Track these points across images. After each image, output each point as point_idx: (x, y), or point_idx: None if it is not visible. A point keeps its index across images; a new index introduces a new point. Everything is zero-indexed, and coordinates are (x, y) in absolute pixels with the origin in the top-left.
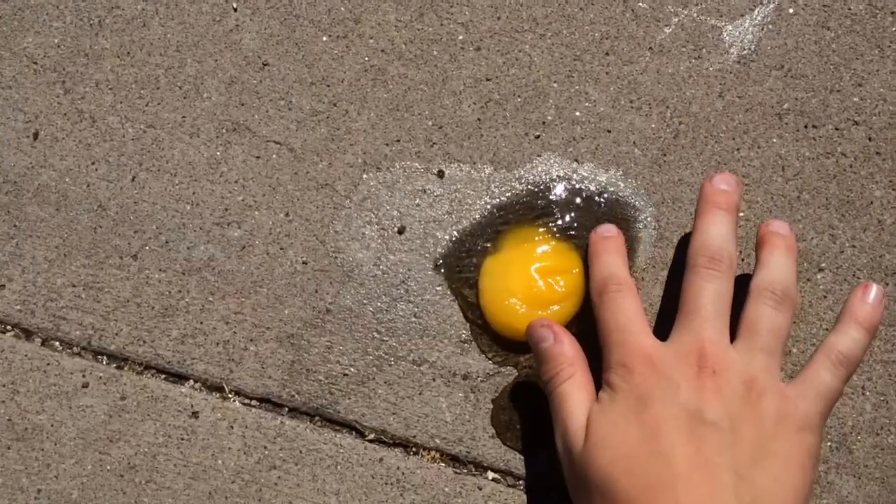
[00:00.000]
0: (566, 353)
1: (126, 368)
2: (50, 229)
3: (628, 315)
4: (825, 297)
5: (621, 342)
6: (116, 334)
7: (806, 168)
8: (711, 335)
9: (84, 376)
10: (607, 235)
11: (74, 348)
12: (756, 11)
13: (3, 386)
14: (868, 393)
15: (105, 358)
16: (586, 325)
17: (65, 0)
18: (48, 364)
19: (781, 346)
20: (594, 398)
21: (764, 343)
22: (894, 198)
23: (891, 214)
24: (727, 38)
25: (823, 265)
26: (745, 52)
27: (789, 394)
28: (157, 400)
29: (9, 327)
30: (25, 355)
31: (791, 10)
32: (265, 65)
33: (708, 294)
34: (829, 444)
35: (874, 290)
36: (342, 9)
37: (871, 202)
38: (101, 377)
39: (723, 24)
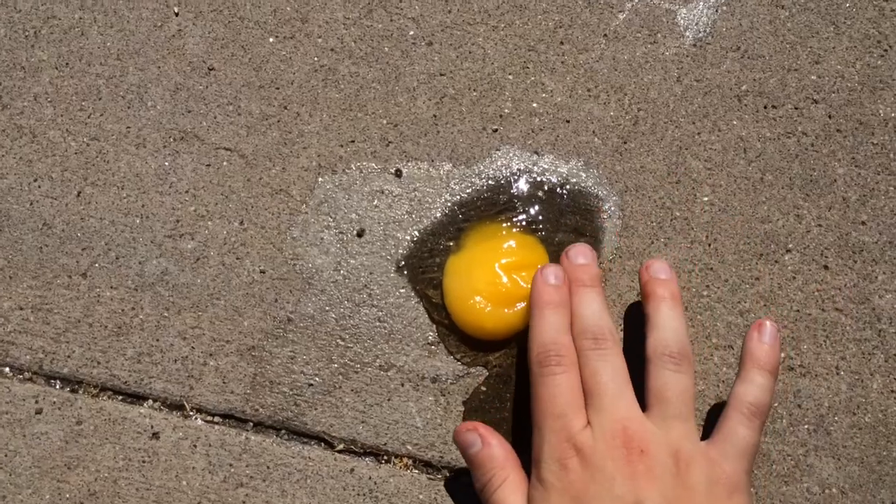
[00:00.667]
0: (496, 456)
1: (81, 391)
2: None
3: (567, 399)
4: (794, 278)
5: (556, 430)
6: (69, 356)
7: (767, 149)
8: (626, 413)
9: (37, 402)
10: (554, 282)
11: (25, 373)
12: None
13: None
14: (843, 373)
15: (58, 382)
16: None
17: None
18: None
19: (692, 407)
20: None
21: (676, 410)
22: (858, 174)
23: (855, 191)
24: (682, 21)
25: (790, 246)
26: (700, 34)
27: (713, 456)
28: (116, 422)
29: None
30: None
31: None
32: (211, 69)
33: (607, 373)
34: (806, 426)
35: (768, 329)
36: (288, 8)
37: (835, 180)
38: (54, 402)
39: (676, 7)
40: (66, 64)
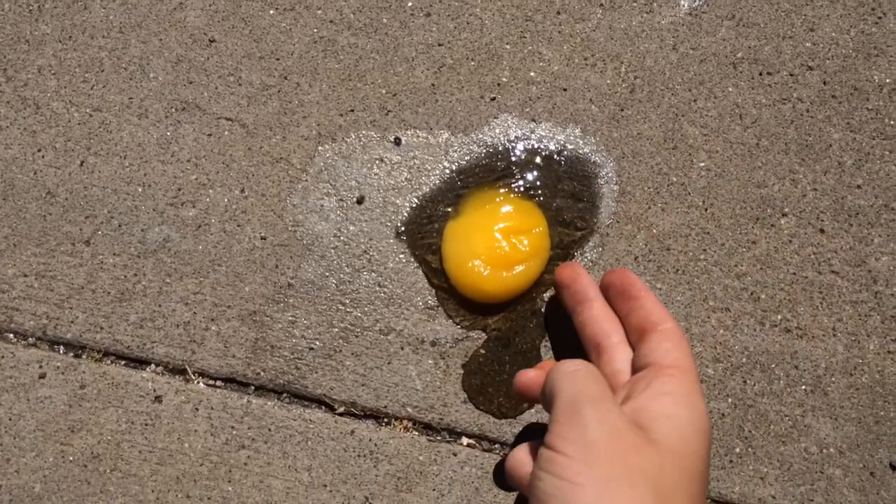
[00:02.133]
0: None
1: (84, 356)
2: None
3: None
4: (790, 241)
5: None
6: (72, 322)
7: (763, 115)
8: None
9: (41, 367)
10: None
11: (29, 339)
12: None
13: None
14: (839, 334)
15: (62, 347)
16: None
17: None
18: (2, 357)
19: None
20: None
21: None
22: (852, 139)
23: (850, 156)
24: None
25: (787, 210)
26: (696, 3)
27: None
28: (119, 386)
29: None
30: None
31: None
32: (212, 41)
33: None
34: (803, 387)
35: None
36: None
37: (830, 145)
38: (58, 367)
39: None
40: (70, 37)
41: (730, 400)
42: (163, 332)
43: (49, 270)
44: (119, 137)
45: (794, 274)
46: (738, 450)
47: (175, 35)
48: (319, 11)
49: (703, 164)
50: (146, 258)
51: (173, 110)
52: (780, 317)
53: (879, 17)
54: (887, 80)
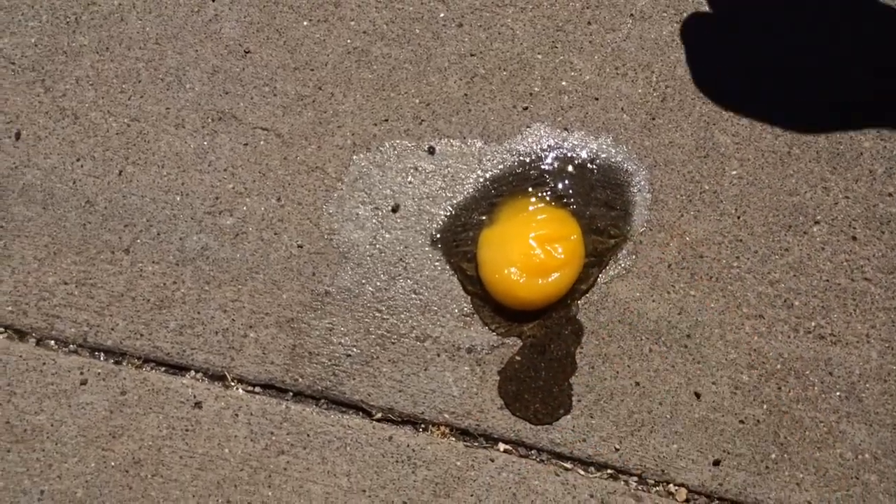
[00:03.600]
0: None
1: (125, 363)
2: (38, 228)
3: None
4: (823, 249)
5: None
6: (112, 329)
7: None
8: None
9: (82, 373)
10: None
11: (70, 346)
12: None
13: (0, 388)
14: (873, 340)
15: (102, 354)
16: (586, 288)
17: (40, 0)
18: (44, 364)
19: None
20: None
21: None
22: (883, 147)
23: (881, 164)
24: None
25: (819, 217)
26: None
27: None
28: (159, 392)
29: (1, 329)
30: (20, 356)
31: None
32: (247, 52)
33: None
34: (838, 394)
35: None
36: None
37: (861, 153)
38: (99, 373)
39: None
40: (107, 48)
41: (765, 406)
42: (202, 339)
43: (89, 278)
44: (157, 147)
45: (828, 281)
46: (773, 456)
47: (211, 46)
48: (353, 23)
49: (734, 173)
50: (185, 266)
51: (210, 120)
52: (813, 323)
53: None
54: None
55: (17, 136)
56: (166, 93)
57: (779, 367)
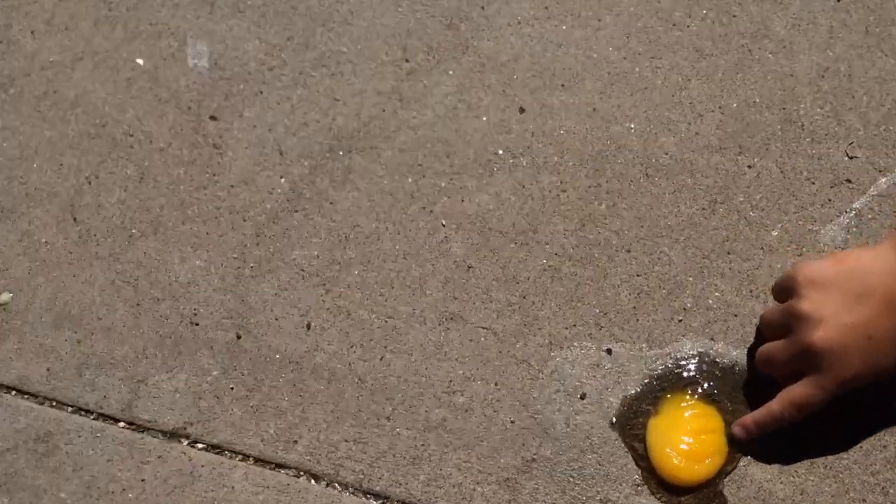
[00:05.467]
0: None
1: None
2: (325, 398)
3: None
4: None
5: None
6: (380, 478)
7: None
8: None
9: None
10: None
11: (350, 489)
12: (841, 217)
13: None
14: None
15: (372, 497)
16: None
17: (319, 221)
18: (332, 502)
19: None
20: None
21: None
22: None
23: None
24: (823, 238)
25: None
26: (837, 248)
27: None
28: None
29: (301, 473)
30: (316, 495)
31: (869, 216)
32: (470, 267)
33: None
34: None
35: None
36: (523, 222)
37: None
38: None
39: (818, 227)
40: (369, 260)
41: None
42: (443, 490)
43: (362, 438)
44: (406, 339)
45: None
46: None
47: (443, 262)
48: (547, 246)
49: None
50: (430, 432)
51: (444, 320)
52: None
53: None
54: None
55: (308, 326)
56: (412, 297)
57: None
